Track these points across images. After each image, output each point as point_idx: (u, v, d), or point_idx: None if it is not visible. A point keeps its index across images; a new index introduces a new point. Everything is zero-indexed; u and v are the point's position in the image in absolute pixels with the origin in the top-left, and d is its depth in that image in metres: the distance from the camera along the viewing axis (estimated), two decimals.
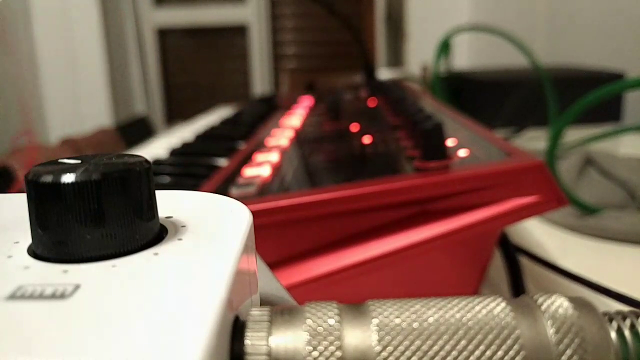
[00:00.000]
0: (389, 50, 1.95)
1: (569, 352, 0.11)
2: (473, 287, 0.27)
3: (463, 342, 0.11)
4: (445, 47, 0.80)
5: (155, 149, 0.52)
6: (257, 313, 0.12)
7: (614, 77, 0.76)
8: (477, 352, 0.11)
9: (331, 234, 0.25)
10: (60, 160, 0.13)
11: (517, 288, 0.28)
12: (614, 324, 0.12)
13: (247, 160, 0.35)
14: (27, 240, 0.13)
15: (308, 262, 0.25)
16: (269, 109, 0.61)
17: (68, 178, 0.12)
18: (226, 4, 2.13)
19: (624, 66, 0.81)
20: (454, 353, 0.11)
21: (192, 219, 0.15)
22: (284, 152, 0.36)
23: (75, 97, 1.96)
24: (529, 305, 0.12)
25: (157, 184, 0.31)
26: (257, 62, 2.16)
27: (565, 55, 1.02)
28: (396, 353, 0.11)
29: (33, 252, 0.13)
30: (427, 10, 1.65)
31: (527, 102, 0.70)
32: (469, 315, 0.12)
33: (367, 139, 0.36)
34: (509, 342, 0.11)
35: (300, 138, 0.41)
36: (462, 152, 0.28)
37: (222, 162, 0.40)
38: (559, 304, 0.12)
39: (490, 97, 0.79)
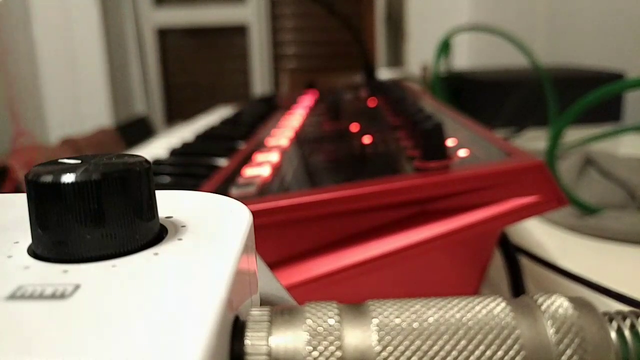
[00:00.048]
0: (389, 50, 1.95)
1: (569, 352, 0.11)
2: (473, 287, 0.27)
3: (463, 342, 0.11)
4: (445, 47, 0.80)
5: (155, 149, 0.52)
6: (257, 313, 0.12)
7: (614, 77, 0.76)
8: (477, 352, 0.11)
9: (331, 234, 0.25)
10: (60, 160, 0.13)
11: (517, 288, 0.28)
12: (614, 324, 0.12)
13: (247, 160, 0.35)
14: (27, 240, 0.13)
15: (308, 262, 0.25)
16: (269, 109, 0.61)
17: (68, 178, 0.12)
18: (226, 4, 2.13)
19: (624, 66, 0.81)
20: (454, 353, 0.11)
21: (192, 219, 0.15)
22: (284, 152, 0.36)
23: (75, 97, 1.96)
24: (529, 305, 0.12)
25: (157, 184, 0.31)
26: (257, 62, 2.16)
27: (565, 55, 1.02)
28: (396, 353, 0.11)
29: (33, 252, 0.13)
30: (427, 10, 1.65)
31: (527, 102, 0.70)
32: (469, 315, 0.12)
33: (367, 139, 0.36)
34: (509, 342, 0.11)
35: (300, 138, 0.41)
36: (462, 152, 0.28)
37: (222, 162, 0.40)
38: (559, 304, 0.12)
39: (490, 97, 0.79)
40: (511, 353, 0.11)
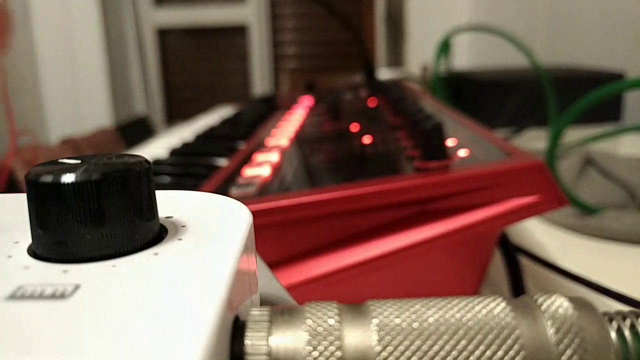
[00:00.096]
0: (389, 50, 1.95)
1: (569, 352, 0.11)
2: (473, 287, 0.27)
3: (463, 342, 0.11)
4: (445, 47, 0.80)
5: (155, 149, 0.52)
6: (257, 313, 0.12)
7: (614, 77, 0.76)
8: (477, 352, 0.11)
9: (331, 234, 0.25)
10: (60, 160, 0.13)
11: (517, 288, 0.28)
12: (614, 324, 0.12)
13: (247, 160, 0.35)
14: (27, 240, 0.13)
15: (308, 262, 0.25)
16: (269, 109, 0.61)
17: (68, 178, 0.12)
18: (226, 4, 2.13)
19: (624, 66, 0.81)
20: (454, 353, 0.11)
21: (192, 219, 0.15)
22: (284, 152, 0.36)
23: (75, 97, 1.96)
24: (529, 305, 0.12)
25: (157, 184, 0.31)
26: (257, 62, 2.16)
27: (565, 55, 1.02)
28: (396, 353, 0.11)
29: (33, 252, 0.13)
30: (427, 10, 1.65)
31: (527, 102, 0.70)
32: (469, 315, 0.12)
33: (367, 139, 0.36)
34: (509, 342, 0.11)
35: (300, 138, 0.41)
36: (462, 152, 0.28)
37: (222, 162, 0.40)
38: (559, 304, 0.12)
39: (490, 97, 0.79)
40: (511, 353, 0.11)
